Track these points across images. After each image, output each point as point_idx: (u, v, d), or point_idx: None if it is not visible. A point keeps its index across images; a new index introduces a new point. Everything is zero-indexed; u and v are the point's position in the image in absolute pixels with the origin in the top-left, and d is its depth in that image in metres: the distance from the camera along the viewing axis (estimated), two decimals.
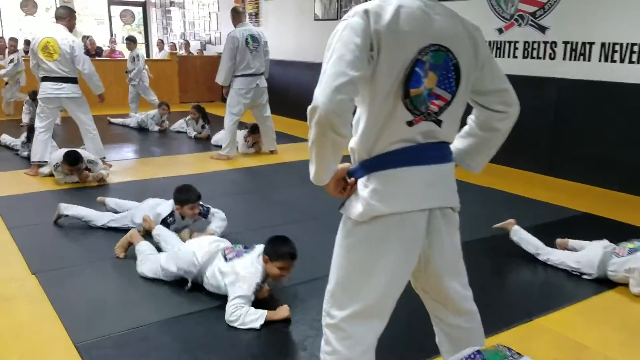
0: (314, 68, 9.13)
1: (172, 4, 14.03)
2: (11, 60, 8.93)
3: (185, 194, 3.63)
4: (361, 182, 1.63)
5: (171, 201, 3.71)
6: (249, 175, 5.80)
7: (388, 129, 1.58)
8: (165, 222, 3.63)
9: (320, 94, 1.48)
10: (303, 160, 6.52)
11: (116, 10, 15.25)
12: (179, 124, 8.19)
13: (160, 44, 13.02)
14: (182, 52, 12.42)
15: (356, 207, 1.62)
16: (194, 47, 12.72)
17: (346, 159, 1.62)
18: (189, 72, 11.56)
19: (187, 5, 13.30)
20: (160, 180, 5.36)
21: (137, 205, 3.99)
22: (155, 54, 13.78)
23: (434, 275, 1.72)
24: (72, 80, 5.40)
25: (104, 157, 5.73)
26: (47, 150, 5.39)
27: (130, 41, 9.40)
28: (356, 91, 1.50)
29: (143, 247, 3.29)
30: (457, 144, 1.80)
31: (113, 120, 8.82)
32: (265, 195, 5.00)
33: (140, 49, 9.82)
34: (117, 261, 3.39)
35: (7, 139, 6.76)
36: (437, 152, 1.65)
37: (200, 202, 3.73)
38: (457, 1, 6.51)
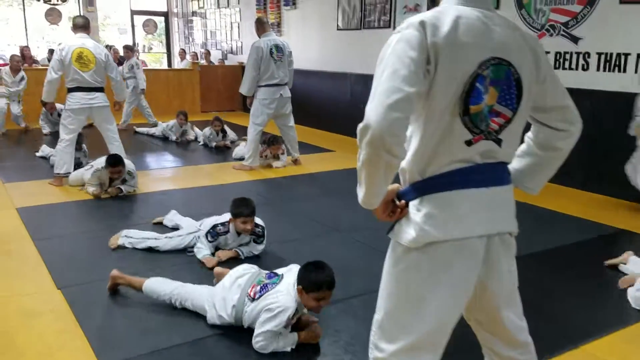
0: (337, 78, 9.17)
1: (194, 14, 14.10)
2: (22, 79, 8.54)
3: (238, 206, 3.49)
4: (413, 205, 1.52)
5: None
6: (272, 186, 5.72)
7: (444, 149, 1.48)
8: (215, 230, 3.54)
9: (373, 111, 1.37)
10: (326, 171, 6.52)
11: (139, 20, 15.36)
12: (201, 135, 8.08)
13: (182, 54, 13.07)
14: (203, 61, 12.44)
15: (408, 233, 1.51)
16: (215, 56, 12.75)
17: (395, 179, 1.51)
18: (210, 81, 11.56)
19: (209, 15, 13.34)
20: (184, 192, 5.30)
21: (196, 225, 3.80)
22: (177, 64, 13.84)
23: (489, 305, 1.60)
24: (102, 89, 5.38)
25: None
26: (72, 161, 5.37)
27: (128, 49, 9.31)
28: (412, 108, 1.40)
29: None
30: (514, 163, 1.69)
31: (138, 129, 8.76)
32: (289, 207, 4.90)
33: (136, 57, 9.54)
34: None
35: (45, 150, 6.56)
36: (496, 174, 1.53)
37: (257, 221, 3.59)
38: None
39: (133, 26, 15.37)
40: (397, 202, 1.55)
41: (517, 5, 5.98)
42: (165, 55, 16.18)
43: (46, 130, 8.29)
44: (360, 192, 1.49)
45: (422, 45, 1.41)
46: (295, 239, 4.05)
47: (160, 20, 15.77)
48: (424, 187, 1.51)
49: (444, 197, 1.49)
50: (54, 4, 14.44)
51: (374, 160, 1.39)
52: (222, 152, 7.40)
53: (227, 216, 3.59)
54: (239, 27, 11.90)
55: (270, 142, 6.40)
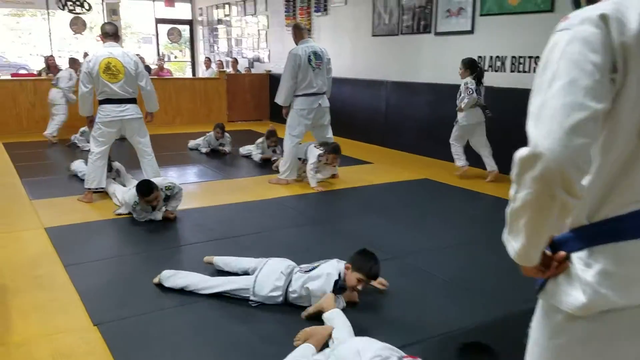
0: (372, 86, 8.79)
1: (219, 22, 13.87)
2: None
3: (368, 261, 2.91)
4: (579, 258, 1.15)
5: (334, 262, 3.06)
6: (312, 202, 5.36)
7: (627, 184, 1.10)
8: (336, 286, 2.91)
9: (547, 136, 1.01)
10: (366, 186, 6.15)
11: (163, 28, 15.20)
12: (246, 148, 7.52)
13: (208, 62, 12.83)
14: (229, 70, 12.18)
15: (573, 296, 1.13)
16: (242, 65, 12.48)
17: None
18: (237, 90, 11.29)
19: (234, 23, 13.11)
20: (220, 209, 4.97)
21: (254, 267, 3.21)
22: (202, 72, 13.61)
23: None
24: (134, 100, 5.10)
25: None
26: (104, 176, 5.09)
27: (73, 62, 9.00)
28: (599, 130, 1.03)
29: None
30: None
31: (191, 144, 8.10)
32: (333, 226, 4.54)
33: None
34: (192, 312, 2.97)
35: (80, 167, 5.95)
36: None
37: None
38: (543, 13, 6.09)
39: (157, 35, 15.22)
40: (551, 253, 1.18)
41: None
42: (190, 64, 15.99)
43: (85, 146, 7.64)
44: (516, 242, 1.12)
45: (607, 46, 1.04)
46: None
47: (184, 29, 15.60)
48: (595, 235, 1.14)
49: (627, 249, 1.11)
50: (78, 13, 14.36)
51: (545, 201, 1.03)
52: (258, 165, 7.05)
53: (332, 264, 3.02)
54: (266, 34, 11.62)
55: (334, 149, 5.74)
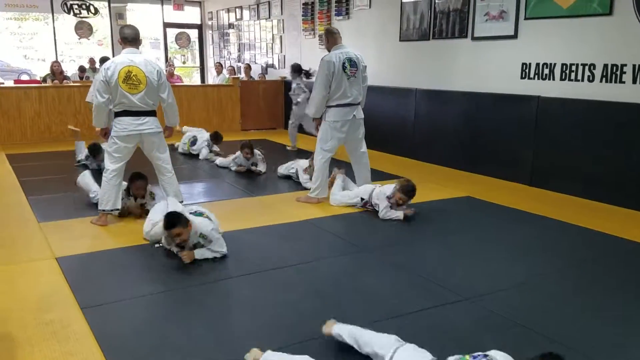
0: (399, 94, 8.19)
1: (230, 26, 13.38)
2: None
3: None
4: None
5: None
6: (350, 224, 4.82)
7: None
8: None
9: None
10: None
11: (171, 33, 14.73)
12: (287, 167, 6.54)
13: (219, 68, 12.31)
14: (241, 76, 11.68)
15: None
16: (254, 71, 11.97)
17: None
18: (250, 98, 10.79)
19: (246, 28, 12.63)
20: (251, 233, 4.45)
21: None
22: (213, 78, 13.11)
23: None
24: (154, 113, 4.59)
25: (182, 201, 4.88)
26: (119, 196, 4.58)
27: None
28: None
29: None
30: None
31: (220, 162, 7.33)
32: (383, 256, 3.98)
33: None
34: None
35: (86, 184, 5.33)
36: None
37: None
38: (599, 17, 5.57)
39: (166, 40, 14.73)
40: None
41: None
42: (198, 69, 15.50)
43: (81, 157, 7.13)
44: None
45: None
46: (409, 312, 3.07)
47: (192, 34, 15.13)
48: None
49: None
50: (83, 17, 13.88)
51: None
52: (280, 179, 6.54)
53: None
54: (281, 39, 11.13)
55: (404, 190, 4.81)
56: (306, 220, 4.86)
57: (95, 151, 6.52)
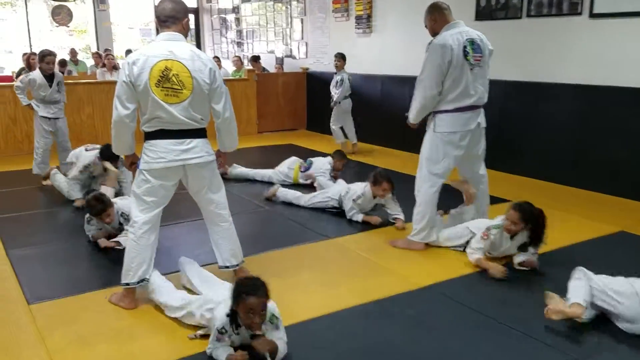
0: None
1: (234, 10, 11.55)
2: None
3: None
4: None
5: None
6: (496, 290, 3.21)
7: None
8: None
9: None
10: (558, 250, 3.72)
11: None
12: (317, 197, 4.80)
13: (239, 63, 10.19)
14: (248, 67, 9.75)
15: None
16: (268, 62, 10.16)
17: None
18: (268, 94, 9.07)
19: (253, 11, 10.85)
20: (337, 320, 2.81)
21: None
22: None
23: None
24: (203, 132, 2.91)
25: (242, 262, 3.22)
26: (151, 261, 2.92)
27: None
28: None
29: None
30: None
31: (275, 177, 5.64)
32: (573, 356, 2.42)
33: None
34: None
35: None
36: None
37: None
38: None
39: (158, 29, 12.83)
40: None
41: None
42: None
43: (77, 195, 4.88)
44: None
45: None
46: None
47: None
48: None
49: None
50: (61, 1, 11.93)
51: None
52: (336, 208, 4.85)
53: None
54: (302, 24, 9.40)
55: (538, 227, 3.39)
56: (427, 287, 3.23)
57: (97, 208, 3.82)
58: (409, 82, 7.28)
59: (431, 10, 3.76)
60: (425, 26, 3.82)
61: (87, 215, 3.86)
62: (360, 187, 4.40)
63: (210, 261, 3.30)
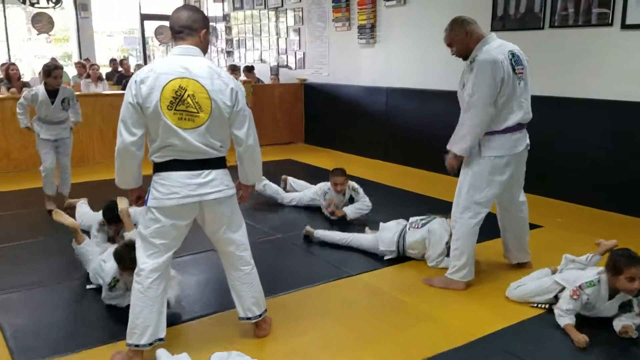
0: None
1: (225, 18, 11.09)
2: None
3: None
4: None
5: None
6: (553, 343, 2.78)
7: None
8: None
9: None
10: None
11: (150, 26, 12.35)
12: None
13: (234, 71, 9.75)
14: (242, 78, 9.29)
15: None
16: (262, 73, 9.71)
17: None
18: (265, 105, 8.60)
19: (247, 19, 10.40)
20: None
21: None
22: None
23: None
24: (222, 162, 2.44)
25: (265, 310, 2.75)
26: (163, 319, 2.44)
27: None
28: None
29: None
30: None
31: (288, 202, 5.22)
32: None
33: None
34: None
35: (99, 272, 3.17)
36: None
37: None
38: None
39: (143, 34, 12.34)
40: None
41: None
42: None
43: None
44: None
45: None
46: None
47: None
48: None
49: None
50: (43, 8, 11.33)
51: None
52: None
53: None
54: (299, 33, 8.96)
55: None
56: (480, 340, 2.78)
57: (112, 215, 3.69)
58: (417, 96, 6.96)
59: (461, 24, 3.31)
60: (448, 44, 3.37)
61: (113, 277, 2.97)
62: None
63: (217, 308, 2.81)
